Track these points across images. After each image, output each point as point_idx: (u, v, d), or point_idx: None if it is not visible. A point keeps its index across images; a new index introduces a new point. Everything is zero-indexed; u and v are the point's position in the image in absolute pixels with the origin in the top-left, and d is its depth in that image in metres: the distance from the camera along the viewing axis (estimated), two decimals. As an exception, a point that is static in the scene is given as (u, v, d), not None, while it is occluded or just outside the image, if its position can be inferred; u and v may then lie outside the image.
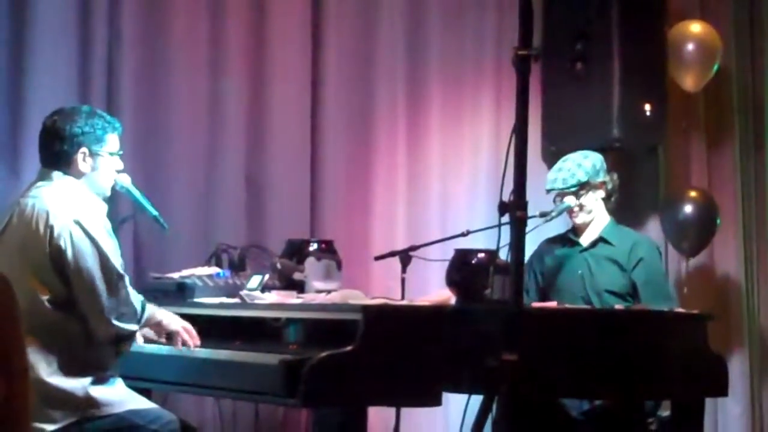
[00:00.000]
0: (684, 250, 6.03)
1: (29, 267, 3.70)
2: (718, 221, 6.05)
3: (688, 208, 5.99)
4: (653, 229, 6.10)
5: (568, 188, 4.82)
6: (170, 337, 3.99)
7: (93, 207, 3.82)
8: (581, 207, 4.85)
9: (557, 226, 5.12)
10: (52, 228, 3.68)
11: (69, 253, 3.68)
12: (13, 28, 4.98)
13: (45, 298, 3.69)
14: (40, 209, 3.73)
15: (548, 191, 4.90)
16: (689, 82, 6.05)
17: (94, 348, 3.76)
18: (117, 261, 3.76)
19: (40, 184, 3.85)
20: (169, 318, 3.98)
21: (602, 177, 4.86)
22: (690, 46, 6.02)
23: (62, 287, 3.69)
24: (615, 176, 4.93)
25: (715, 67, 6.09)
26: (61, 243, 3.68)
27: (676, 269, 6.15)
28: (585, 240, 4.91)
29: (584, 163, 4.84)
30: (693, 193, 6.08)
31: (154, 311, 3.92)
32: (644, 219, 6.13)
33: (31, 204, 3.76)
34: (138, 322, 3.81)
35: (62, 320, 3.70)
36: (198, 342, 3.98)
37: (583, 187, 4.82)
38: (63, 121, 3.87)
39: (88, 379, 3.71)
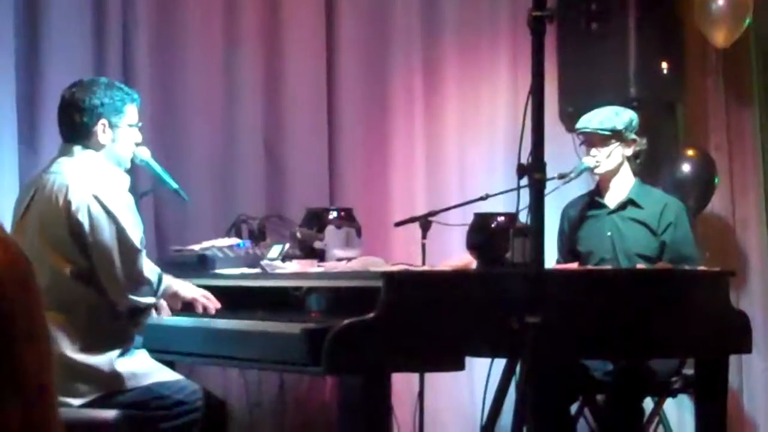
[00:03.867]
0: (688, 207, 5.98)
1: (50, 242, 3.72)
2: (716, 180, 6.00)
3: (686, 168, 5.93)
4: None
5: (602, 130, 4.70)
6: (188, 306, 4.01)
7: (114, 180, 3.83)
8: (607, 156, 4.72)
9: (578, 187, 5.09)
10: (70, 202, 3.70)
11: (87, 227, 3.69)
12: (28, 3, 4.98)
13: (67, 270, 3.71)
14: (60, 184, 3.75)
15: (578, 132, 4.79)
16: (720, 37, 5.92)
17: (116, 321, 3.78)
18: (136, 235, 3.76)
19: (61, 159, 3.86)
20: (185, 288, 4.00)
21: (634, 135, 4.76)
22: (720, 1, 5.92)
23: (84, 260, 3.72)
24: (645, 140, 4.84)
25: (747, 23, 5.99)
26: (80, 217, 3.69)
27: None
28: (612, 201, 4.81)
29: (623, 114, 4.76)
30: (690, 152, 6.01)
31: (170, 282, 3.93)
32: (662, 179, 6.10)
33: (52, 179, 3.78)
34: (154, 294, 3.83)
35: (85, 293, 3.73)
36: (218, 305, 3.99)
37: (615, 135, 4.71)
38: (82, 93, 3.87)
39: (114, 353, 3.74)
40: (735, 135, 6.30)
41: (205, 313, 4.00)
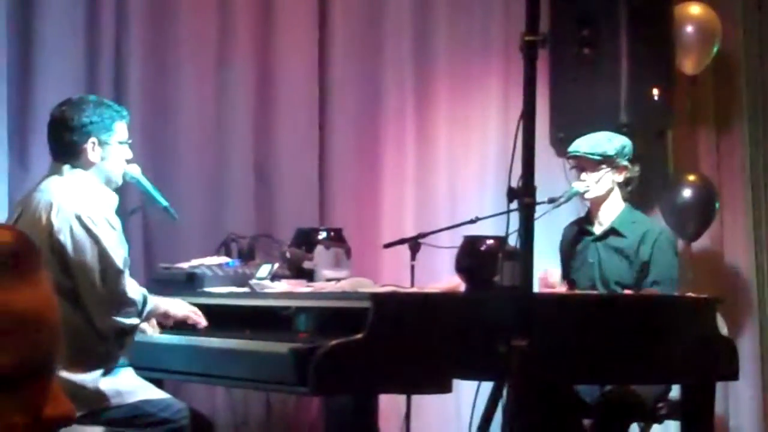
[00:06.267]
0: (685, 235, 6.01)
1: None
2: (717, 205, 6.04)
3: (687, 193, 5.97)
4: (660, 215, 6.09)
5: (591, 155, 4.70)
6: (179, 325, 4.00)
7: (99, 200, 3.82)
8: (597, 181, 4.71)
9: (568, 211, 5.10)
10: (53, 222, 3.69)
11: (69, 247, 3.69)
12: (21, 18, 4.99)
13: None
14: (45, 203, 3.74)
15: (569, 156, 4.79)
16: (689, 64, 6.03)
17: (100, 341, 3.77)
18: (119, 255, 3.75)
19: (51, 177, 3.86)
20: (175, 306, 3.99)
21: (625, 161, 4.74)
22: (689, 29, 6.00)
23: (66, 280, 3.70)
24: (637, 168, 4.83)
25: (715, 50, 6.07)
26: (61, 237, 3.69)
27: (681, 254, 6.13)
28: (597, 228, 4.82)
29: (615, 140, 4.76)
30: (692, 177, 6.06)
31: (158, 303, 3.92)
32: (652, 205, 6.12)
33: (38, 198, 3.78)
34: (139, 315, 3.81)
35: (68, 313, 3.70)
36: (206, 323, 4.00)
37: (605, 160, 4.70)
38: (71, 112, 3.87)
39: (97, 372, 3.73)
40: (724, 161, 6.32)
41: (194, 330, 4.00)
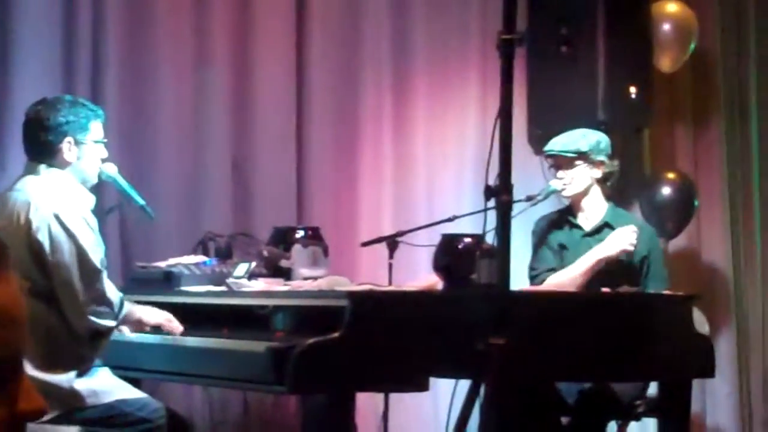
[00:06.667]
0: (665, 232, 6.02)
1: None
2: (696, 202, 6.06)
3: (666, 190, 5.99)
4: (638, 213, 6.09)
5: (566, 152, 4.70)
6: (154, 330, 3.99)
7: (76, 200, 3.81)
8: (572, 179, 4.70)
9: (545, 210, 5.09)
10: (31, 221, 3.68)
11: (47, 246, 3.67)
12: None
13: (27, 290, 3.68)
14: (22, 202, 3.73)
15: (545, 155, 4.79)
16: (666, 62, 6.05)
17: (75, 341, 3.75)
18: (96, 256, 3.74)
19: (26, 177, 3.84)
20: (149, 314, 3.98)
21: (602, 157, 4.72)
22: (666, 26, 6.01)
23: (43, 280, 3.69)
24: (616, 163, 4.81)
25: (692, 47, 6.09)
26: (39, 237, 3.67)
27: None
28: (587, 224, 4.78)
29: (590, 136, 4.74)
30: (671, 175, 6.07)
31: (132, 309, 3.91)
32: (631, 203, 6.13)
33: (14, 197, 3.76)
34: (115, 318, 3.79)
35: (44, 313, 3.69)
36: (181, 329, 3.99)
37: (580, 156, 4.69)
38: (46, 111, 3.85)
39: (72, 373, 3.71)
40: (701, 158, 6.34)
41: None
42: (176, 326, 3.99)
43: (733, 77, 6.33)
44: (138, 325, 3.97)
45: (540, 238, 4.85)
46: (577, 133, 4.78)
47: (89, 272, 3.71)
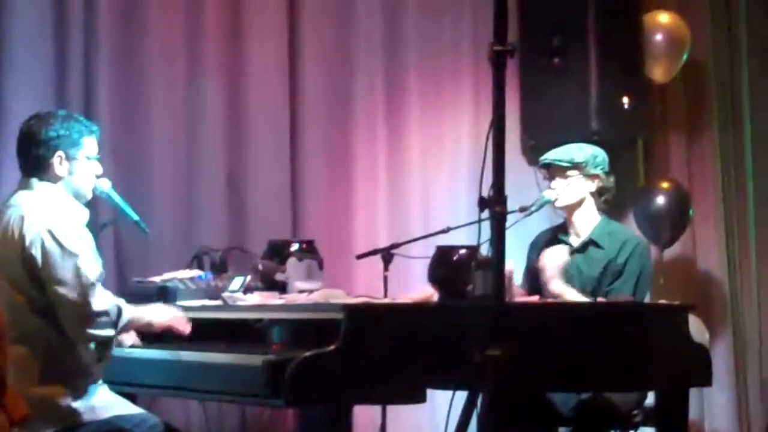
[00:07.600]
0: (660, 242, 6.02)
1: (5, 275, 3.70)
2: (691, 212, 6.06)
3: (661, 200, 5.99)
4: (633, 223, 6.10)
5: (559, 161, 4.73)
6: (161, 337, 3.97)
7: (70, 214, 3.81)
8: (566, 187, 4.72)
9: (540, 220, 5.10)
10: (24, 236, 3.68)
11: (39, 261, 3.67)
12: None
13: (24, 305, 3.68)
14: (16, 217, 3.73)
15: (540, 166, 4.82)
16: (658, 72, 6.06)
17: (76, 355, 3.75)
18: (90, 269, 3.72)
19: (20, 192, 3.85)
20: (159, 314, 3.96)
21: (597, 171, 4.75)
22: (658, 37, 6.03)
23: (39, 294, 3.69)
24: (612, 179, 4.83)
25: (684, 58, 6.11)
26: (33, 251, 3.67)
27: (654, 261, 6.15)
28: (575, 240, 4.81)
29: (586, 149, 4.77)
30: (665, 185, 6.08)
31: (140, 313, 3.89)
32: (626, 213, 6.13)
33: (9, 213, 3.76)
34: (114, 326, 3.78)
35: (43, 328, 3.69)
36: (189, 329, 3.98)
37: (574, 166, 4.72)
38: (38, 126, 3.86)
39: (70, 388, 3.70)
40: (695, 168, 6.35)
41: (169, 343, 3.97)
42: (185, 327, 3.98)
43: (726, 86, 6.35)
44: (148, 328, 3.95)
45: (528, 255, 4.90)
46: (573, 146, 4.81)
47: (83, 286, 3.69)
